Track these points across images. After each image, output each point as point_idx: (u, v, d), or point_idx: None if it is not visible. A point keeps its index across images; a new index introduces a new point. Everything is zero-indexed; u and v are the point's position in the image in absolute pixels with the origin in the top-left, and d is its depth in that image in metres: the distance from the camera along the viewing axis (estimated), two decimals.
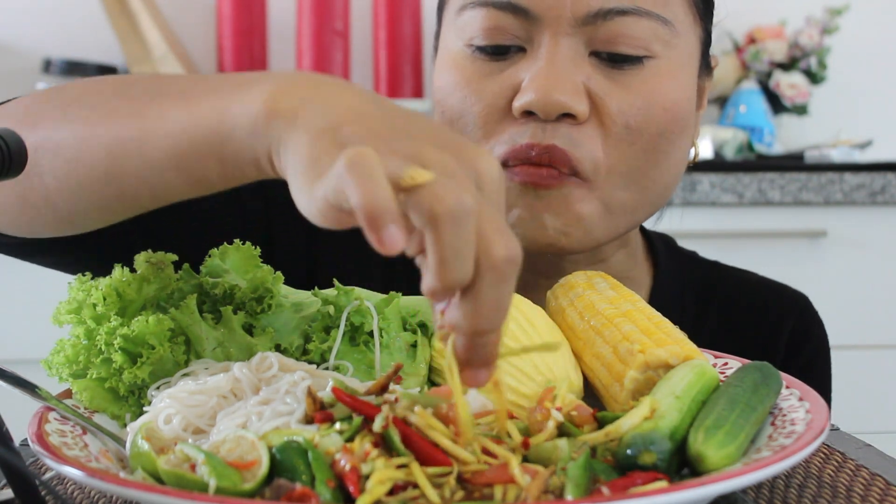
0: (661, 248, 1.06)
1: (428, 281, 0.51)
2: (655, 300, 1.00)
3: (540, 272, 0.92)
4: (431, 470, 0.54)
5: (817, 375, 1.07)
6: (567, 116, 0.83)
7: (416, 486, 0.53)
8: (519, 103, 0.83)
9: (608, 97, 0.84)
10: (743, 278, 1.11)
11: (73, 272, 0.76)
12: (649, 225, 1.08)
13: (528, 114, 0.83)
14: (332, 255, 0.98)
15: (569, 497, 0.53)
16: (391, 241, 0.49)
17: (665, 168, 0.88)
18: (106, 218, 0.73)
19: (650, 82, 0.85)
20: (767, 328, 1.05)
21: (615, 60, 0.85)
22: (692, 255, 1.11)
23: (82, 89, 0.73)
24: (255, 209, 0.96)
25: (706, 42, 0.94)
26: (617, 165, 0.85)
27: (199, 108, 0.64)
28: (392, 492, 0.53)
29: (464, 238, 0.49)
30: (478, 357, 0.53)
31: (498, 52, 0.86)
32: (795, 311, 1.09)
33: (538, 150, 0.83)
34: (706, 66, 0.95)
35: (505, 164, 0.84)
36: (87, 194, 0.70)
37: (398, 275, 0.93)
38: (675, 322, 0.73)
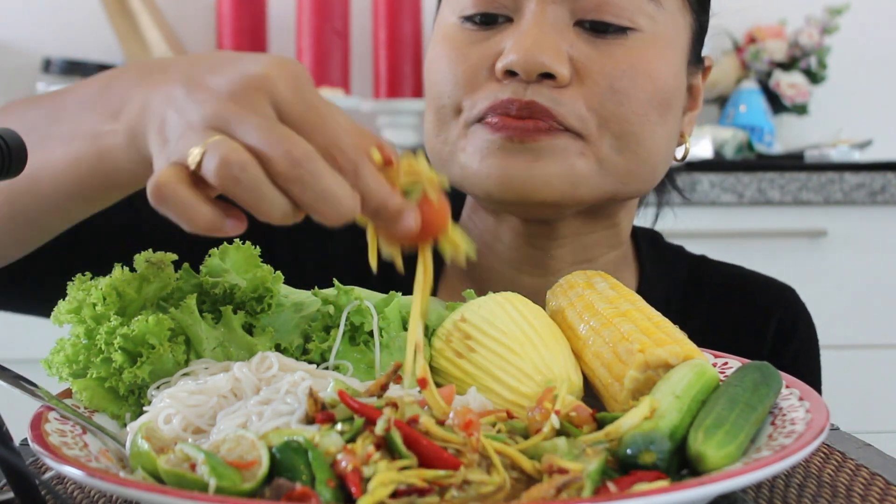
0: (646, 246, 1.06)
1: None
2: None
3: (523, 270, 0.92)
4: (434, 473, 0.54)
5: (806, 368, 1.07)
6: (548, 78, 0.83)
7: (421, 492, 0.53)
8: (501, 64, 0.84)
9: (591, 62, 0.85)
10: (729, 272, 1.10)
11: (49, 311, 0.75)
12: (646, 223, 1.08)
13: (511, 74, 0.84)
14: (290, 253, 0.98)
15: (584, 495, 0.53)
16: (232, 229, 0.58)
17: (655, 142, 0.88)
18: (24, 248, 0.78)
19: (634, 51, 0.86)
20: (754, 322, 1.04)
21: (599, 30, 0.85)
22: (678, 250, 1.11)
23: None
24: None
25: (699, 34, 0.94)
26: (608, 123, 0.85)
27: (73, 146, 0.69)
28: (394, 495, 0.53)
29: (249, 188, 0.56)
30: (385, 222, 0.59)
31: (486, 22, 0.87)
32: (782, 304, 1.08)
33: (518, 105, 0.83)
34: (697, 59, 0.95)
35: (485, 119, 0.86)
36: None
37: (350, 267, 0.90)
38: None
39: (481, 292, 0.77)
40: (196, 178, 0.58)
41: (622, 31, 0.85)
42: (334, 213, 0.57)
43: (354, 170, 0.58)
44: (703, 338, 0.83)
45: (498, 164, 0.85)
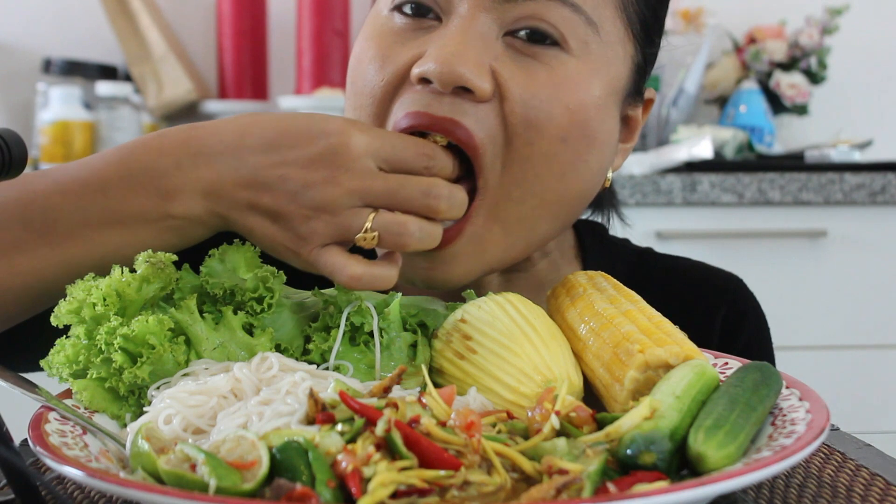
0: (590, 240, 1.03)
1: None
2: None
3: (454, 293, 0.85)
4: (434, 473, 0.54)
5: (758, 357, 1.06)
6: (465, 91, 0.78)
7: (421, 493, 0.53)
8: (417, 70, 0.79)
9: (512, 81, 0.79)
10: (674, 264, 1.07)
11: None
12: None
13: (426, 82, 0.79)
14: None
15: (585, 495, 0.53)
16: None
17: (567, 181, 0.83)
18: (30, 314, 0.82)
19: (558, 76, 0.80)
20: (700, 313, 1.02)
21: (527, 40, 0.80)
22: (623, 244, 1.07)
23: None
24: None
25: (642, 67, 0.88)
26: (511, 167, 0.81)
27: (139, 231, 0.77)
28: (395, 495, 0.53)
29: (418, 240, 0.74)
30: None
31: (419, 13, 0.82)
32: (728, 294, 1.05)
33: (434, 121, 0.79)
34: (637, 93, 0.90)
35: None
36: (13, 314, 0.80)
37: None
38: None
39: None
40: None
41: (551, 44, 0.80)
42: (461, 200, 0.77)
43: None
44: None
45: (410, 267, 0.82)
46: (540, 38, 0.80)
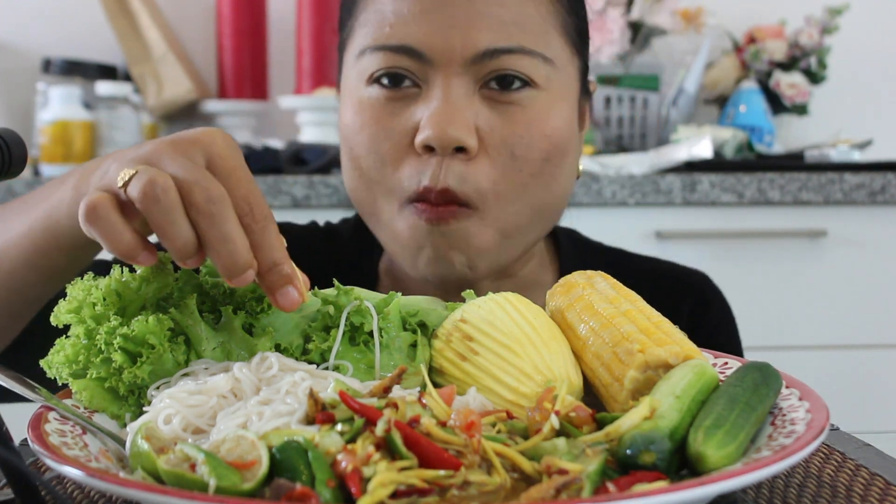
0: (565, 245, 1.13)
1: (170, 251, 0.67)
2: None
3: (449, 291, 0.96)
4: (434, 473, 0.54)
5: (722, 340, 1.12)
6: (460, 150, 0.91)
7: (421, 493, 0.53)
8: (420, 139, 0.91)
9: (494, 131, 0.93)
10: (641, 266, 1.16)
11: None
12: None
13: (428, 148, 0.92)
14: None
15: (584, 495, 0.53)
16: (145, 260, 0.68)
17: (552, 189, 0.97)
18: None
19: (532, 113, 0.93)
20: (668, 307, 1.05)
21: (502, 88, 0.93)
22: (596, 246, 1.17)
23: None
24: None
25: (584, 70, 1.02)
26: (506, 192, 0.94)
27: (32, 213, 0.84)
28: (395, 495, 0.53)
29: (165, 211, 0.65)
30: (273, 283, 0.68)
31: (394, 84, 0.94)
32: (695, 287, 1.15)
33: (435, 194, 0.92)
34: (585, 90, 1.03)
35: (412, 203, 0.94)
36: None
37: None
38: None
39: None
40: (123, 207, 0.67)
41: (522, 87, 0.93)
42: (230, 259, 0.66)
43: (261, 227, 0.68)
44: None
45: (425, 254, 0.94)
46: (510, 83, 0.93)
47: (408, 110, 0.94)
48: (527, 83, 0.93)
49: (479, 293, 0.83)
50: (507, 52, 0.91)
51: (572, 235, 1.16)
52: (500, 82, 0.93)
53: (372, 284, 1.09)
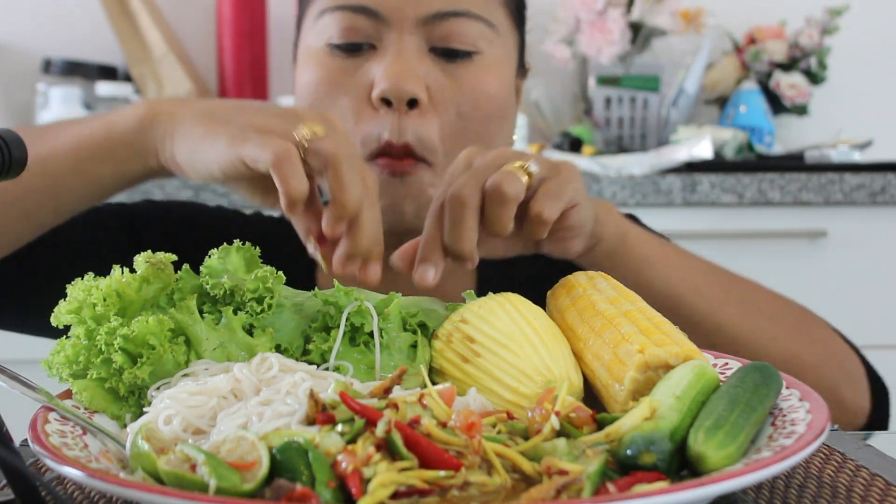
0: None
1: (330, 216, 0.78)
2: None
3: (390, 246, 0.97)
4: (434, 474, 0.54)
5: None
6: (413, 105, 0.98)
7: (421, 494, 0.53)
8: (376, 92, 0.98)
9: (442, 90, 1.00)
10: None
11: None
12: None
13: (385, 101, 0.99)
14: None
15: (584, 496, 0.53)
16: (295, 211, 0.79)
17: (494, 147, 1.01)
18: (4, 244, 0.94)
19: (477, 74, 1.02)
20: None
21: (449, 55, 1.01)
22: None
23: None
24: (118, 239, 1.12)
25: (521, 46, 1.10)
26: (452, 149, 0.99)
27: (92, 124, 0.91)
28: (395, 496, 0.53)
29: (356, 173, 0.78)
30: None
31: (352, 49, 1.01)
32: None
33: (396, 149, 0.99)
34: (521, 67, 1.11)
35: (373, 158, 1.00)
36: None
37: None
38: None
39: None
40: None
41: (467, 55, 1.01)
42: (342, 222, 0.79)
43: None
44: None
45: (385, 204, 0.98)
46: (457, 53, 1.01)
47: (363, 67, 1.01)
48: (470, 54, 1.01)
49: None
50: (454, 14, 1.00)
51: None
52: (447, 53, 1.01)
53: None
